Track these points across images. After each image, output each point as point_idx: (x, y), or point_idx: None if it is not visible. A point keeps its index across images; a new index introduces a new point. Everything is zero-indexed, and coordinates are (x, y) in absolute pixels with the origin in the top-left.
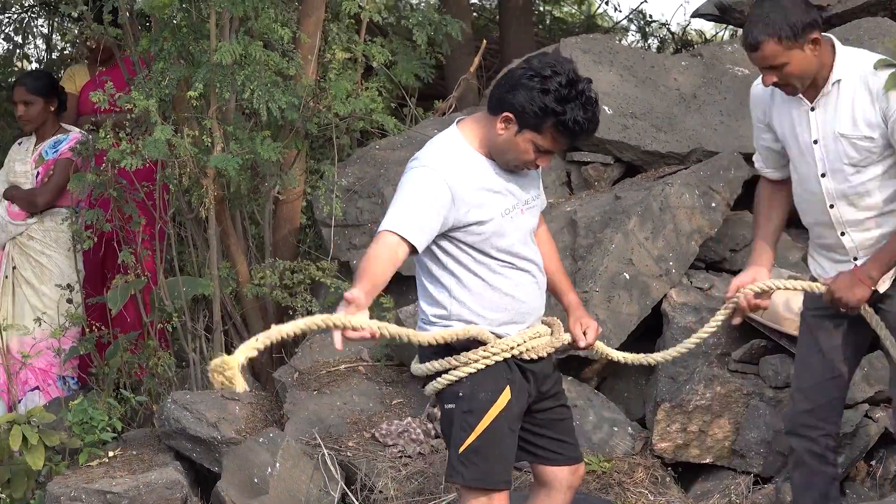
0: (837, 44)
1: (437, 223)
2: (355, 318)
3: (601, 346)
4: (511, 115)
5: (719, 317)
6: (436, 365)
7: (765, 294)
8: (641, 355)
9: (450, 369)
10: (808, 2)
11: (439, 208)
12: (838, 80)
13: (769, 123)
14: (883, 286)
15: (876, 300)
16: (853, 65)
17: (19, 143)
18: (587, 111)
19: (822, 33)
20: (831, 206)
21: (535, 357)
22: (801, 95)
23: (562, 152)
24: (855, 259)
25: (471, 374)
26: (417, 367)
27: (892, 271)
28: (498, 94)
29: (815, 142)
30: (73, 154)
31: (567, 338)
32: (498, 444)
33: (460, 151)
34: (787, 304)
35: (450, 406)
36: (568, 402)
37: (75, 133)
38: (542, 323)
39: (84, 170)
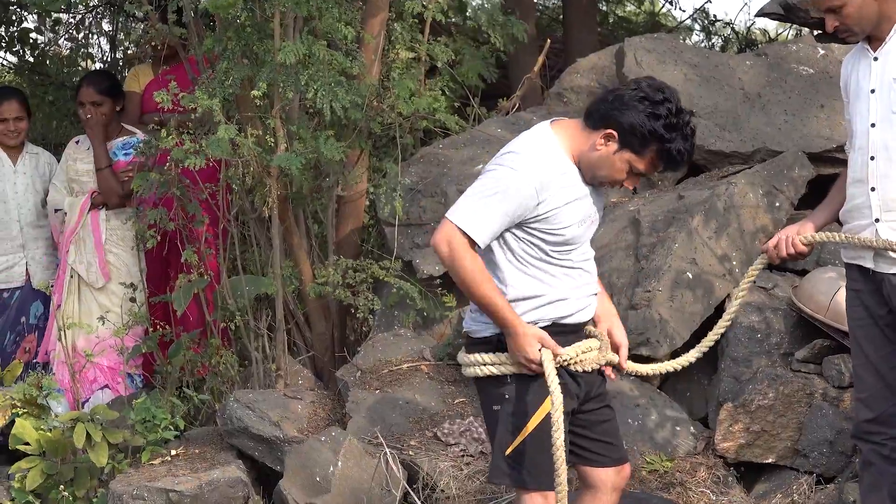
0: None
1: (506, 224)
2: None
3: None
4: (614, 133)
5: (755, 269)
6: (477, 358)
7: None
8: (672, 361)
9: (491, 365)
10: None
11: (513, 212)
12: None
13: (846, 88)
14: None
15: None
16: None
17: (77, 142)
18: (688, 141)
19: None
20: (871, 158)
21: (580, 370)
22: (867, 47)
23: None
24: (877, 220)
25: (518, 376)
26: (464, 358)
27: None
28: (603, 111)
29: (873, 91)
30: (136, 153)
31: (614, 358)
32: (544, 447)
33: (556, 155)
34: None
35: (496, 408)
36: (612, 403)
37: (143, 136)
38: (593, 337)
39: (148, 169)
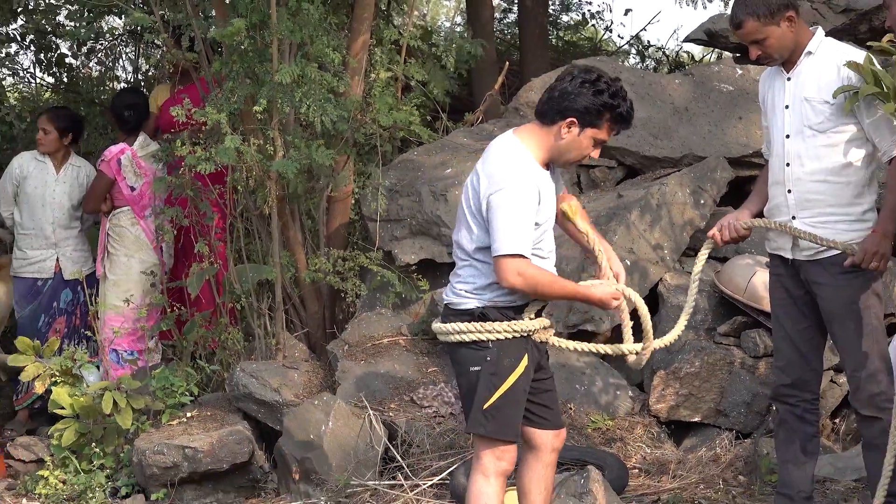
0: (820, 31)
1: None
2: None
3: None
4: (574, 119)
5: (704, 254)
6: (462, 327)
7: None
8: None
9: (475, 332)
10: None
11: (534, 215)
12: (809, 52)
13: (764, 104)
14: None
15: (812, 289)
16: (829, 46)
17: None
18: (627, 101)
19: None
20: (787, 165)
21: (538, 340)
22: (781, 68)
23: None
24: (793, 217)
25: (499, 342)
26: (442, 327)
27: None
28: (556, 106)
29: (787, 106)
30: (153, 161)
31: (553, 341)
32: (514, 403)
33: (529, 159)
34: (765, 285)
35: (475, 368)
36: (553, 376)
37: (108, 150)
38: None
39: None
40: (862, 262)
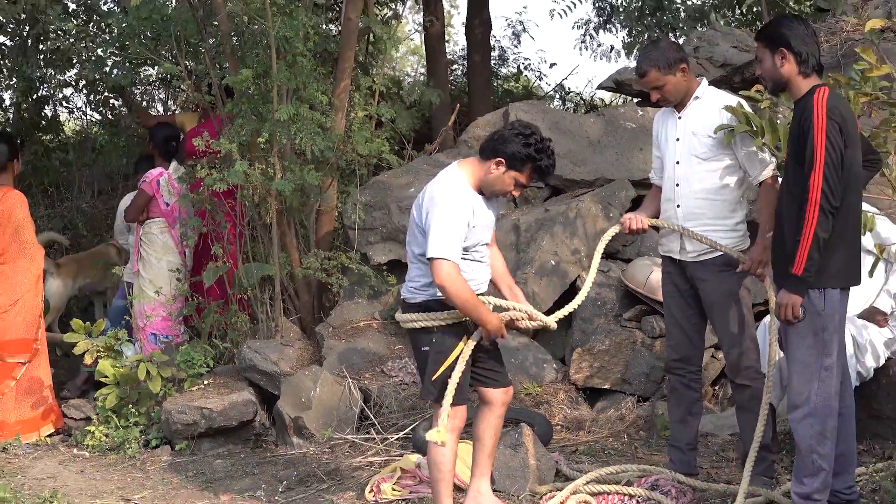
0: (705, 80)
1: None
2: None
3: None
4: (502, 160)
5: (610, 232)
6: (413, 316)
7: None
8: (564, 310)
9: (423, 321)
10: (678, 44)
11: (466, 224)
12: (697, 97)
13: (657, 137)
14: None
15: (696, 284)
16: (712, 93)
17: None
18: (551, 159)
19: (700, 76)
20: (677, 185)
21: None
22: (673, 109)
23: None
24: (683, 228)
25: (441, 328)
26: (401, 316)
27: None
28: (492, 146)
29: (678, 139)
30: (181, 182)
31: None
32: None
33: (465, 186)
34: (660, 281)
35: (425, 348)
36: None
37: (149, 172)
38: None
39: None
40: (750, 269)
